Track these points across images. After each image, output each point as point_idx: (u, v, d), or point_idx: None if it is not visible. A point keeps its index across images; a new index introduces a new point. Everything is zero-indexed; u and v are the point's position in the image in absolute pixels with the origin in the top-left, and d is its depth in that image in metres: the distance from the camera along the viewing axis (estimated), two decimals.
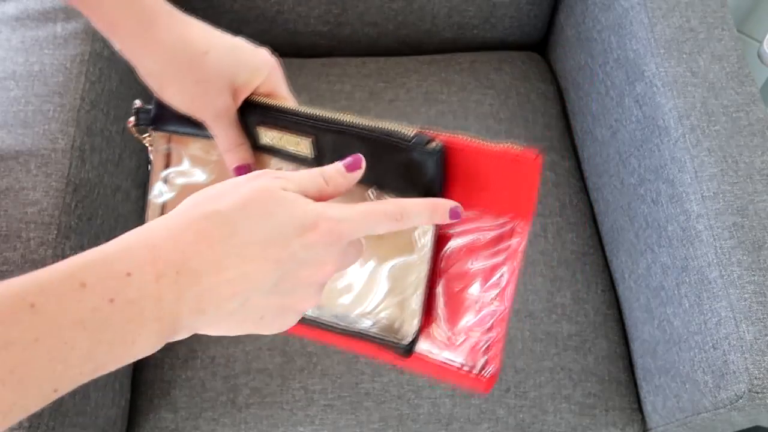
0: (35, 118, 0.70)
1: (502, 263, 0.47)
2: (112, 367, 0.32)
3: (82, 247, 0.68)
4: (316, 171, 0.41)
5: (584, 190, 0.93)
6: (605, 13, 0.87)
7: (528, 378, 0.77)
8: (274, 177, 0.38)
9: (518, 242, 0.46)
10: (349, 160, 0.42)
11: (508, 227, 0.46)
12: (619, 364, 0.80)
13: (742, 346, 0.60)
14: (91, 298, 0.30)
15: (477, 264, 0.48)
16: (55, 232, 0.66)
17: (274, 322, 0.38)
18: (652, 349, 0.74)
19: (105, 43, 0.77)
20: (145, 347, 0.33)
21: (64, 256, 0.65)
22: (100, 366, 0.31)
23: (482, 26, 1.03)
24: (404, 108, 0.96)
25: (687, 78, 0.73)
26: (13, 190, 0.66)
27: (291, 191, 0.38)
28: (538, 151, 0.42)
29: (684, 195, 0.69)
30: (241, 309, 0.36)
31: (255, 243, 0.35)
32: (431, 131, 0.44)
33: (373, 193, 0.48)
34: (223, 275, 0.34)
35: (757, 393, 0.59)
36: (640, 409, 0.79)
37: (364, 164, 0.42)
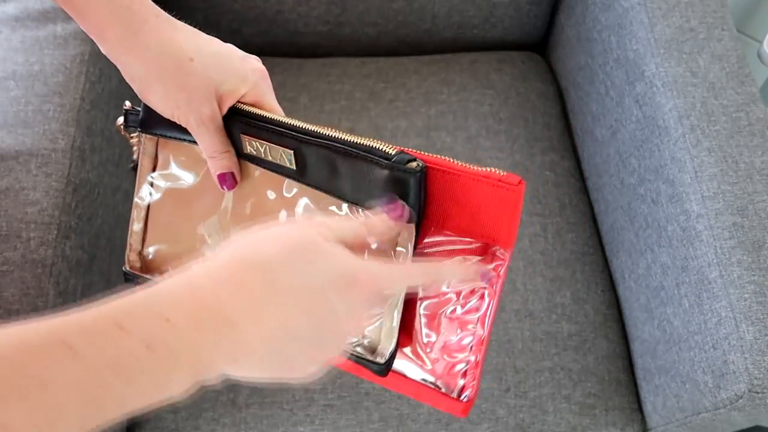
0: (35, 118, 0.70)
1: (483, 288, 0.47)
2: (141, 409, 0.31)
3: (82, 247, 0.68)
4: (358, 222, 0.41)
5: (584, 190, 0.93)
6: (605, 13, 0.87)
7: (528, 378, 0.77)
8: (316, 224, 0.38)
9: (498, 266, 0.45)
10: (390, 207, 0.41)
11: (489, 252, 0.45)
12: (619, 364, 0.80)
13: (742, 346, 0.60)
14: (129, 343, 0.30)
15: (457, 287, 0.48)
16: (55, 232, 0.65)
17: (301, 370, 0.38)
18: (652, 349, 0.74)
19: None
20: (177, 392, 0.32)
21: (64, 256, 0.65)
22: (129, 408, 0.31)
23: (482, 26, 1.03)
24: (404, 108, 0.96)
25: (687, 78, 0.73)
26: (13, 190, 0.66)
27: (331, 241, 0.38)
28: (521, 177, 0.42)
29: (684, 195, 0.69)
30: (273, 358, 0.36)
31: (294, 294, 0.35)
32: (414, 151, 0.44)
33: (341, 207, 0.47)
34: (261, 325, 0.34)
35: (757, 393, 0.59)
36: (640, 409, 0.79)
37: (407, 211, 0.42)
